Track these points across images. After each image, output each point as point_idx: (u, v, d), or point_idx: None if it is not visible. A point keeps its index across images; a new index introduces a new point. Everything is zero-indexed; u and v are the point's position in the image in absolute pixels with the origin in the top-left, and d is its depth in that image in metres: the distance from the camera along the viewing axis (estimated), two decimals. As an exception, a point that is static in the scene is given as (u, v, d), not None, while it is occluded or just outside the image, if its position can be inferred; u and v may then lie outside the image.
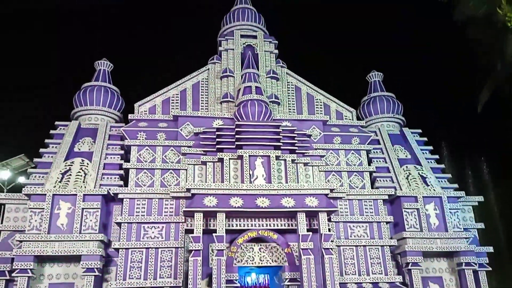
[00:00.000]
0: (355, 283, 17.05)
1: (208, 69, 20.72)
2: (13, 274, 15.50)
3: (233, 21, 22.05)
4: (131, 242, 16.38)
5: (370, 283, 17.08)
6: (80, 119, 20.06)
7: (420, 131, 21.84)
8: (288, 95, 20.83)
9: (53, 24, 36.26)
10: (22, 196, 17.03)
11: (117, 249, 16.40)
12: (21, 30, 35.64)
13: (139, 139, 18.52)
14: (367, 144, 20.05)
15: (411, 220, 18.26)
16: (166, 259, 16.38)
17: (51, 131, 19.31)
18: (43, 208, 16.34)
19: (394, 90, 23.00)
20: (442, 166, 20.63)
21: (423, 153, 20.62)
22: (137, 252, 16.31)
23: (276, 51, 21.55)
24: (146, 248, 16.39)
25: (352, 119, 20.90)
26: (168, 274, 16.19)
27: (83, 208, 16.57)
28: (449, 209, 18.51)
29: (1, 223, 17.19)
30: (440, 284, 18.06)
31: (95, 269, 15.79)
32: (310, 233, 16.35)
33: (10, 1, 31.81)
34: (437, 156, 20.99)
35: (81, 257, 15.81)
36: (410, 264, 17.41)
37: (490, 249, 18.72)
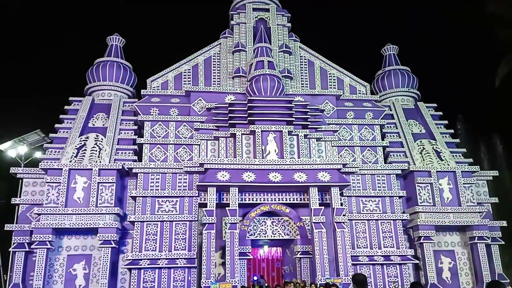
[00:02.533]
0: (367, 256, 17.20)
1: (220, 43, 20.55)
2: (32, 246, 15.99)
3: (245, -6, 21.68)
4: (146, 215, 16.70)
5: (381, 256, 17.21)
6: (94, 95, 20.20)
7: (435, 105, 21.50)
8: (301, 70, 20.61)
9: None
10: (39, 170, 17.38)
11: (132, 222, 16.75)
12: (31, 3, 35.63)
13: (152, 115, 18.62)
14: (381, 118, 19.86)
15: (424, 194, 18.21)
16: (180, 232, 16.69)
17: (66, 107, 19.51)
18: (60, 182, 16.69)
19: (409, 63, 22.60)
20: (457, 140, 20.38)
21: (437, 127, 20.36)
22: (152, 225, 16.63)
23: (289, 24, 21.21)
24: (160, 221, 16.70)
25: (366, 94, 20.65)
26: (182, 247, 16.52)
27: (98, 183, 16.87)
28: (463, 183, 18.38)
29: (20, 197, 17.60)
30: (452, 258, 18.12)
31: (112, 241, 16.19)
32: (322, 207, 16.45)
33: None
34: (452, 131, 20.72)
35: (98, 229, 16.21)
36: (422, 238, 17.46)
37: (504, 223, 18.64)
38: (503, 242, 18.43)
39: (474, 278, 17.79)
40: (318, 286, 13.07)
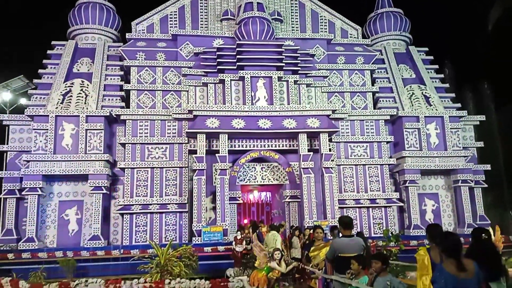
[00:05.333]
0: (353, 199, 17.67)
1: (207, -18, 19.66)
2: (23, 193, 16.09)
3: None
4: (136, 162, 16.76)
5: (367, 199, 17.70)
6: (77, 39, 19.49)
7: (426, 49, 21.23)
8: (291, 12, 19.98)
9: None
10: (25, 117, 17.11)
11: (123, 169, 16.83)
12: None
13: (138, 60, 18.15)
14: (372, 63, 19.62)
15: (411, 139, 18.44)
16: (171, 178, 16.86)
17: (49, 51, 18.88)
18: (47, 129, 16.50)
19: (402, 5, 21.97)
20: (446, 85, 20.35)
21: (428, 72, 20.24)
22: (142, 172, 16.74)
23: (279, -37, 20.25)
24: (151, 168, 16.79)
25: (358, 38, 20.25)
26: (173, 192, 16.76)
27: (86, 129, 16.72)
28: (450, 128, 18.61)
29: (7, 144, 17.44)
30: (435, 200, 18.74)
31: (103, 187, 16.34)
32: (311, 153, 16.63)
33: None
34: (442, 76, 20.63)
35: (88, 176, 16.27)
36: (408, 181, 17.91)
37: (488, 167, 19.11)
38: (486, 185, 19.01)
39: (456, 220, 18.52)
40: (302, 230, 13.35)
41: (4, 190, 16.73)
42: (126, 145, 16.94)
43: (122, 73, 18.34)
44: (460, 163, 18.20)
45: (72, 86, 17.63)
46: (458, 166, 18.15)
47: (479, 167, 19.01)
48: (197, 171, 16.03)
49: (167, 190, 16.77)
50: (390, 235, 12.77)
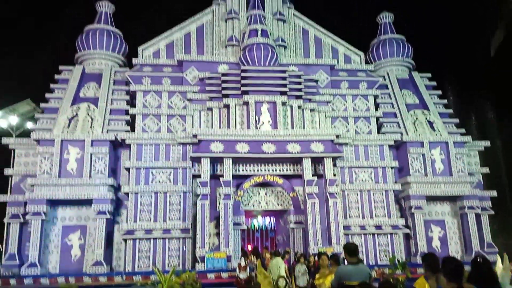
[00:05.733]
0: (359, 226, 17.49)
1: (213, 10, 20.07)
2: (27, 217, 16.03)
3: (238, -41, 21.02)
4: (140, 186, 16.74)
5: (373, 225, 17.51)
6: (84, 64, 19.79)
7: (429, 75, 21.37)
8: (295, 38, 20.27)
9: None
10: (31, 141, 17.22)
11: (126, 193, 16.80)
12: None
13: (144, 84, 18.36)
14: (375, 89, 19.75)
15: (416, 165, 18.36)
16: (174, 203, 16.79)
17: (56, 76, 19.14)
18: (53, 153, 16.58)
19: (404, 32, 22.26)
20: (450, 111, 20.39)
21: (431, 97, 20.32)
22: (146, 196, 16.70)
23: (284, -10, 20.69)
24: (155, 192, 16.76)
25: (360, 63, 20.45)
26: (177, 217, 16.67)
27: (91, 153, 16.78)
28: (455, 154, 18.53)
29: (12, 167, 17.50)
30: (442, 227, 18.49)
31: (107, 212, 16.28)
32: (315, 178, 16.59)
33: None
34: (445, 101, 20.69)
35: (92, 200, 16.25)
36: (413, 207, 17.73)
37: (494, 193, 18.94)
38: (492, 212, 18.78)
39: (464, 247, 18.24)
40: (306, 256, 13.23)
41: (8, 214, 16.69)
42: (131, 169, 16.96)
43: (128, 97, 18.53)
44: (466, 189, 18.06)
45: (78, 110, 17.80)
46: (464, 192, 18.00)
47: (485, 193, 18.84)
48: (201, 195, 15.98)
49: (170, 215, 16.68)
50: (397, 262, 12.58)
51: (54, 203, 16.60)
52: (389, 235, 17.52)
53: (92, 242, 16.49)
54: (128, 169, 17.13)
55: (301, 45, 20.27)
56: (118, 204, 17.32)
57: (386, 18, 22.54)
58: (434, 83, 21.15)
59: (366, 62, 21.14)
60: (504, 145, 21.71)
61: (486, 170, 19.59)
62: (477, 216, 18.29)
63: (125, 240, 16.44)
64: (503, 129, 24.39)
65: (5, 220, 16.72)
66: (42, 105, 18.52)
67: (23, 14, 32.96)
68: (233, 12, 19.72)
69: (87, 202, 16.50)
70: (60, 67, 19.42)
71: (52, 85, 18.87)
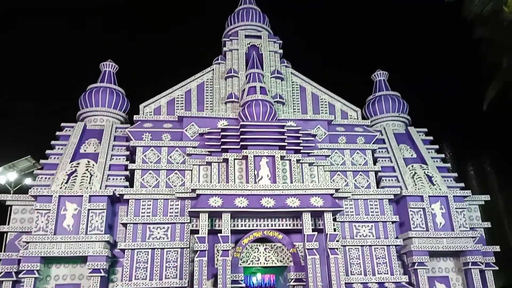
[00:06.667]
0: (361, 283, 17.00)
1: (213, 69, 20.74)
2: (20, 275, 15.58)
3: (237, 21, 22.08)
4: (137, 242, 16.44)
5: (376, 283, 17.02)
6: (86, 121, 20.15)
7: (425, 130, 21.72)
8: (293, 95, 20.81)
9: (59, 26, 36.48)
10: (29, 197, 17.13)
11: (123, 250, 16.46)
12: (26, 31, 35.90)
13: (144, 140, 18.58)
14: (372, 143, 19.98)
15: (417, 219, 18.17)
16: (171, 260, 16.42)
17: (57, 133, 19.41)
18: (50, 209, 16.43)
19: (399, 89, 22.90)
20: (448, 165, 20.51)
21: (428, 152, 20.51)
22: (142, 253, 16.35)
23: (281, 50, 21.51)
24: (151, 248, 16.43)
25: (357, 119, 20.83)
26: (173, 275, 16.22)
27: (89, 209, 16.64)
28: (455, 208, 18.40)
29: (8, 224, 17.28)
30: (446, 284, 17.97)
31: (101, 270, 15.85)
32: (316, 233, 16.33)
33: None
34: (442, 155, 20.86)
35: (87, 258, 15.88)
36: (416, 264, 17.33)
37: (497, 248, 18.59)
38: (496, 268, 18.34)
39: (469, 305, 17.63)
40: None
41: (1, 272, 16.25)
42: (128, 225, 16.74)
43: (128, 153, 18.68)
44: (468, 244, 17.75)
45: (78, 166, 17.86)
46: (466, 247, 17.67)
47: (488, 248, 18.50)
48: (198, 252, 15.64)
49: (167, 273, 16.24)
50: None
51: (48, 261, 16.20)
52: (392, 293, 16.96)
53: (85, 302, 15.92)
54: (125, 225, 16.90)
55: (299, 101, 20.76)
56: (113, 261, 16.91)
57: (380, 76, 23.28)
58: (431, 138, 21.44)
59: (363, 118, 21.55)
60: (505, 199, 21.61)
61: (487, 224, 19.38)
62: (481, 272, 17.84)
63: (119, 300, 15.87)
64: (503, 183, 24.40)
65: (-2, 278, 16.26)
66: (42, 161, 18.63)
67: (27, 74, 34.03)
68: (232, 71, 20.39)
69: (82, 259, 16.12)
70: (62, 124, 19.75)
71: (53, 142, 19.08)
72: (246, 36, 21.44)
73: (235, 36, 21.40)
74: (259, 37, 21.51)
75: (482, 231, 19.21)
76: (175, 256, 16.48)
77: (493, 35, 19.43)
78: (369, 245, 17.59)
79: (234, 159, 17.88)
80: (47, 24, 35.62)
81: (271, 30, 22.36)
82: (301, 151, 18.40)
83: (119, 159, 18.49)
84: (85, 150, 18.67)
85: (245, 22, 21.90)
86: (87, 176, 17.56)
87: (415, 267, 17.33)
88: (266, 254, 17.05)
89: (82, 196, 16.76)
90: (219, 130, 18.22)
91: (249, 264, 16.92)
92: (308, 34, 38.98)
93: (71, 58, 35.88)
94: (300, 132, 18.51)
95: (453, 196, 18.63)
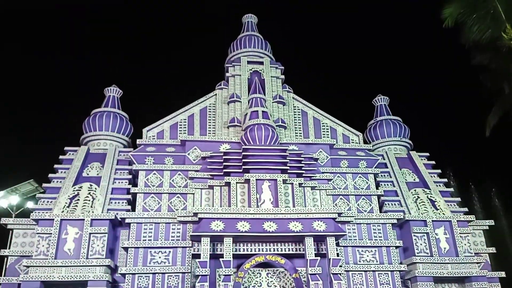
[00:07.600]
0: (365, 309, 16.69)
1: (216, 94, 20.99)
2: (19, 301, 15.40)
3: (240, 48, 22.46)
4: (138, 267, 16.28)
5: (380, 309, 16.70)
6: (89, 144, 20.28)
7: (427, 154, 21.73)
8: (294, 119, 20.96)
9: (64, 51, 37.19)
10: (30, 221, 17.10)
11: (123, 274, 16.29)
12: (31, 54, 36.51)
13: (147, 164, 18.64)
14: (375, 167, 19.97)
15: (421, 244, 17.99)
16: (172, 285, 16.22)
17: (61, 157, 19.52)
18: (51, 233, 16.36)
19: (400, 113, 23.06)
20: (451, 189, 20.42)
21: (431, 176, 20.47)
22: (143, 278, 16.18)
23: (283, 76, 21.81)
24: (152, 273, 16.26)
25: (359, 143, 20.90)
26: (174, 300, 15.98)
27: (90, 233, 16.56)
28: (460, 233, 18.23)
29: (9, 248, 17.19)
30: (452, 311, 17.63)
31: (101, 296, 15.65)
32: (318, 258, 16.15)
33: (20, 22, 32.80)
34: (445, 180, 20.80)
35: (88, 282, 15.72)
36: (421, 290, 17.03)
37: (503, 274, 18.33)
38: (503, 294, 18.04)
39: (476, 332, 17.23)
40: None
41: (0, 297, 16.11)
42: (129, 249, 16.62)
43: (130, 176, 18.72)
44: (473, 270, 17.50)
45: (80, 190, 17.88)
46: (471, 273, 17.42)
47: (493, 274, 18.23)
48: (200, 277, 15.45)
49: (168, 298, 16.02)
50: None
51: (49, 285, 16.00)
52: (397, 320, 16.63)
53: (84, 328, 15.65)
54: (126, 249, 16.78)
55: (301, 125, 20.90)
56: (114, 286, 16.70)
57: (381, 101, 23.47)
58: (433, 162, 21.44)
59: (365, 142, 21.63)
60: (509, 223, 21.42)
61: (492, 250, 19.15)
62: (488, 299, 17.54)
63: (119, 326, 15.61)
64: (507, 207, 24.23)
65: (-4, 303, 16.08)
66: (44, 185, 18.66)
67: (31, 99, 34.45)
68: (235, 96, 20.62)
69: (83, 284, 15.93)
70: (65, 148, 19.89)
71: (56, 166, 19.16)
72: (249, 62, 21.78)
73: (237, 62, 21.74)
74: (261, 63, 21.84)
75: (487, 257, 18.96)
76: (176, 281, 16.29)
77: (491, 62, 19.67)
78: (373, 271, 17.36)
79: (236, 182, 17.88)
80: (51, 48, 36.34)
81: (273, 56, 22.72)
82: (303, 175, 18.39)
83: (122, 182, 18.51)
84: (88, 174, 18.73)
85: (248, 48, 22.28)
86: (89, 200, 17.56)
87: (420, 293, 17.04)
88: (268, 279, 16.83)
89: (83, 219, 16.72)
90: (222, 154, 18.29)
91: (251, 289, 16.67)
92: (310, 59, 39.56)
93: (75, 83, 36.43)
94: (302, 156, 18.56)
95: (457, 220, 18.48)
